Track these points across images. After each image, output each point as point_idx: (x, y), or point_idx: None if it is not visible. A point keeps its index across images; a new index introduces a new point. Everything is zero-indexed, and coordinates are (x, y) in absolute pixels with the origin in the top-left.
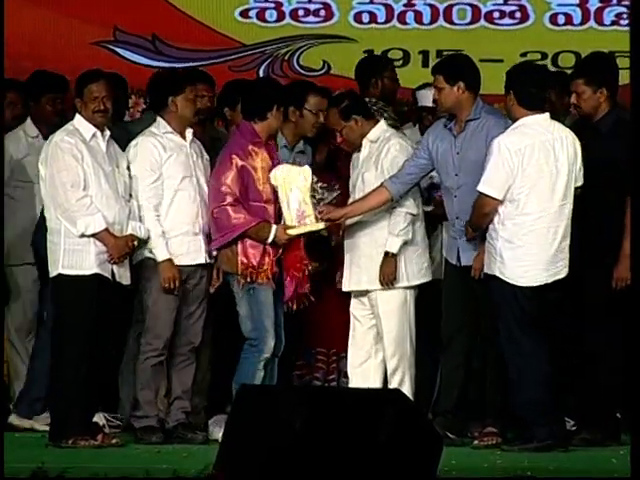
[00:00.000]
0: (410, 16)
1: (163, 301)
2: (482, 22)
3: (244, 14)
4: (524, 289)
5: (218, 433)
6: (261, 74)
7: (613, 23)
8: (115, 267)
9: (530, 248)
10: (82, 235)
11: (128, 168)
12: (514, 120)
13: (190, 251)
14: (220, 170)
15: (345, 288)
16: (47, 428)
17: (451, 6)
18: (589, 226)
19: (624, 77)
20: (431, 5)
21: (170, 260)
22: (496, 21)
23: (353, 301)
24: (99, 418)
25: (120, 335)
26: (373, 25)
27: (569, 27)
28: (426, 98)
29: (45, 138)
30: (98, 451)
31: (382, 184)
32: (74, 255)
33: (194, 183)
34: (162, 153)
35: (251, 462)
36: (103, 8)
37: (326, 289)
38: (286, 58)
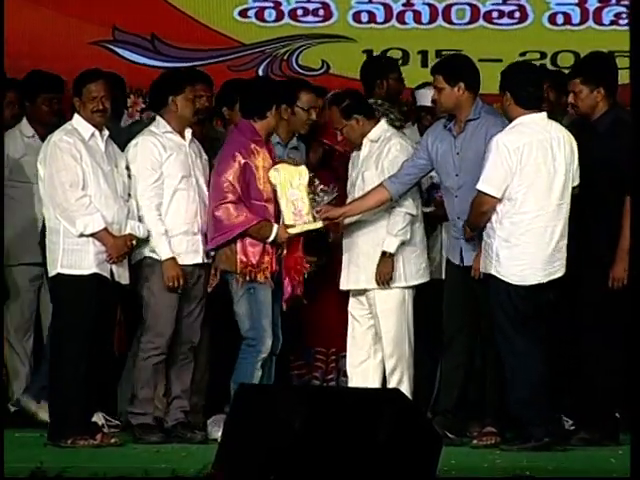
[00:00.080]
0: (409, 16)
1: (164, 299)
2: (481, 22)
3: (243, 14)
4: (518, 288)
5: (217, 432)
6: (260, 74)
7: (612, 23)
8: (114, 267)
9: (527, 247)
10: (81, 235)
11: (127, 168)
12: (510, 120)
13: (189, 251)
14: (222, 168)
15: (343, 287)
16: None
17: (450, 6)
18: (586, 226)
19: (623, 77)
20: (430, 5)
21: (174, 258)
22: (495, 21)
23: (351, 301)
24: (98, 418)
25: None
26: (372, 25)
27: (568, 27)
28: (425, 98)
29: (41, 138)
30: (97, 451)
31: (381, 184)
32: (73, 255)
33: (193, 183)
34: (162, 152)
35: (250, 462)
36: (102, 8)
37: (325, 289)
38: (285, 58)
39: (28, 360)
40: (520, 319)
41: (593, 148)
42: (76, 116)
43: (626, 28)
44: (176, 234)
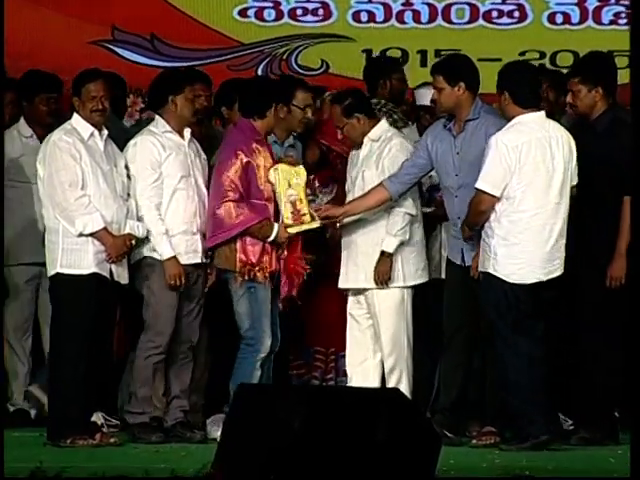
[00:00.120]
0: (408, 15)
1: (164, 299)
2: (480, 21)
3: (242, 13)
4: (514, 287)
5: (216, 432)
6: (259, 73)
7: (611, 22)
8: (113, 266)
9: (526, 245)
10: (80, 234)
11: (126, 167)
12: (509, 119)
13: (188, 250)
14: (224, 166)
15: (342, 285)
16: None
17: (449, 5)
18: (585, 225)
19: (623, 76)
20: (429, 4)
21: (175, 257)
22: (494, 20)
23: (350, 301)
24: (97, 417)
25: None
26: (371, 24)
27: (567, 26)
28: (424, 97)
29: (39, 138)
30: (96, 450)
31: (381, 183)
32: (72, 254)
33: (192, 183)
34: (162, 152)
35: (249, 461)
36: (102, 7)
37: (324, 288)
38: (284, 57)
39: (27, 360)
40: (516, 318)
41: (592, 148)
42: (75, 116)
43: (625, 28)
44: (175, 234)
